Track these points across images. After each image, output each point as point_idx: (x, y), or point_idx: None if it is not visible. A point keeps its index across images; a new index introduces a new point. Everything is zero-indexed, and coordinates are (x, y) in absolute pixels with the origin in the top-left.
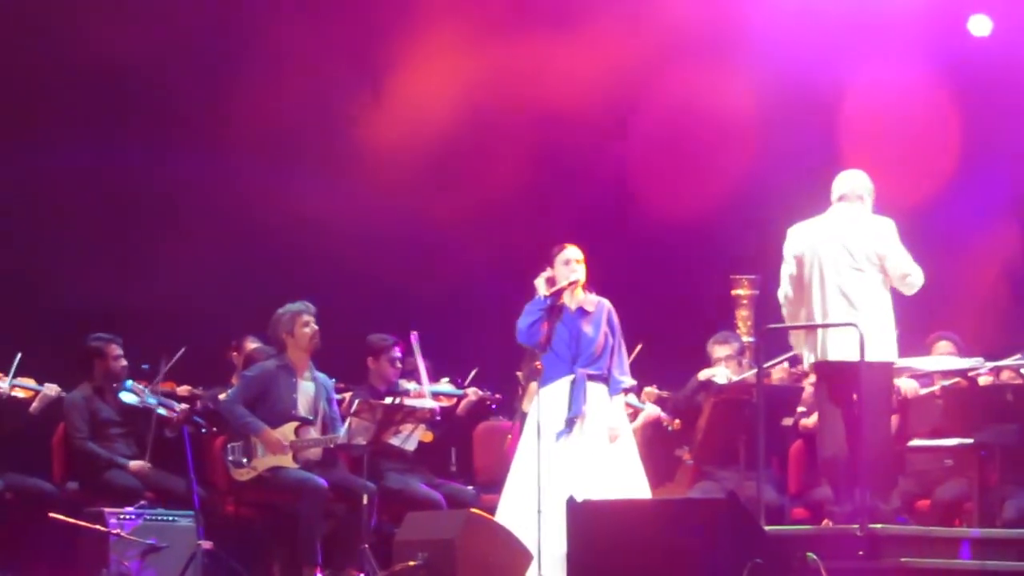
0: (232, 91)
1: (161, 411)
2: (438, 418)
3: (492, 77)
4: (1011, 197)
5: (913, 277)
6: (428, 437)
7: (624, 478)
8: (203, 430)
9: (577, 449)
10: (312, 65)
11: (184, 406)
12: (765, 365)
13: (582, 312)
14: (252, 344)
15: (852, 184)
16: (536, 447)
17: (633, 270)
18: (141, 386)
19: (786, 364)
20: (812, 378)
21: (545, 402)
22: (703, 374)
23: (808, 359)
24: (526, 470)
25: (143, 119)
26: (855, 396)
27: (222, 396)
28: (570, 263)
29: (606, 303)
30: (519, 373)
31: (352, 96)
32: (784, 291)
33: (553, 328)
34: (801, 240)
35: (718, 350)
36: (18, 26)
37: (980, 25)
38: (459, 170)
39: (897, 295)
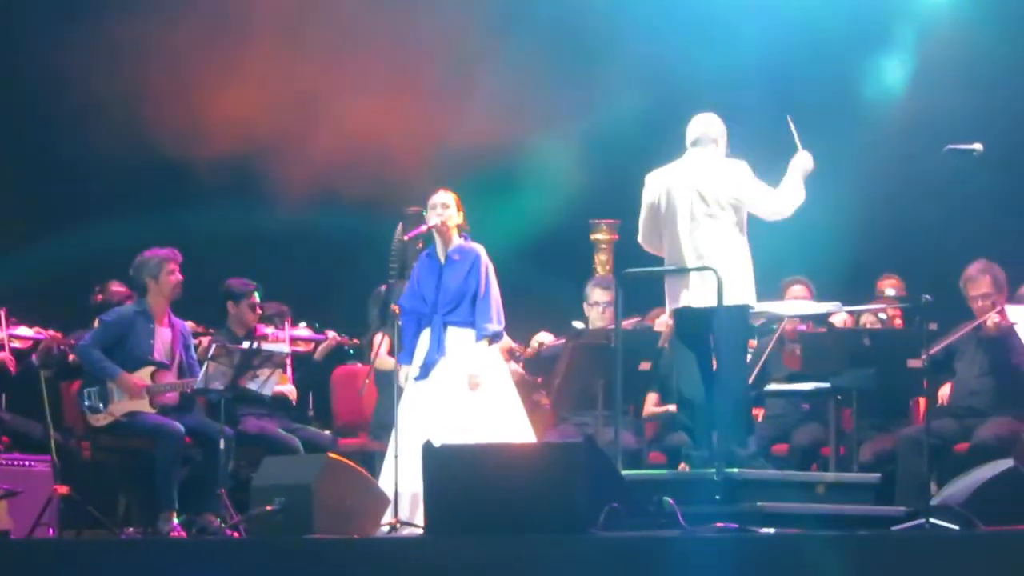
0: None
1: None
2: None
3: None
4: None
5: (781, 205)
6: (285, 381)
7: (500, 422)
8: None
9: (436, 394)
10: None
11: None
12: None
13: (450, 261)
14: (117, 288)
15: (705, 127)
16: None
17: (492, 215)
18: None
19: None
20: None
21: (418, 349)
22: (534, 342)
23: (668, 305)
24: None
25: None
26: (711, 340)
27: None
28: (436, 207)
29: (477, 249)
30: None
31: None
32: (643, 238)
33: (421, 276)
34: (656, 186)
35: (598, 294)
36: None
37: None
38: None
39: (754, 239)
